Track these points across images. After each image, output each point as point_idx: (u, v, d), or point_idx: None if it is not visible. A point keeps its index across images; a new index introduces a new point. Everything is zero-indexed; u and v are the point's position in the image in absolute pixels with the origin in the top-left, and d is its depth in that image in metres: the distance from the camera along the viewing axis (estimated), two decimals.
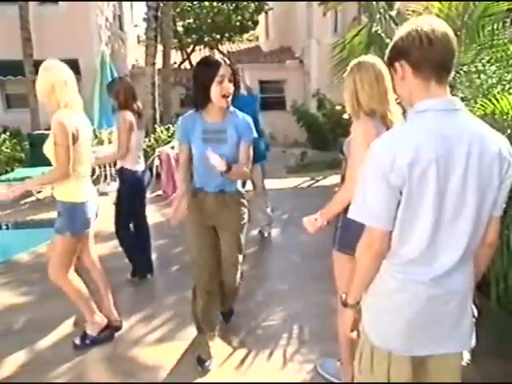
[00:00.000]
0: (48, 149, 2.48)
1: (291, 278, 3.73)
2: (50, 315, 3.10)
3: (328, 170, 8.47)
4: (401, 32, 1.26)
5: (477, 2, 3.79)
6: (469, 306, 1.37)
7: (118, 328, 2.88)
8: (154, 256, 4.24)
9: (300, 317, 3.05)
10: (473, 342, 1.39)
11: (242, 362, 2.56)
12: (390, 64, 1.31)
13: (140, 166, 3.52)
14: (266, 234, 4.84)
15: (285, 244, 4.64)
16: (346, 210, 1.69)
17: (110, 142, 7.59)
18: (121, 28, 14.89)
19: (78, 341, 2.72)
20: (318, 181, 7.98)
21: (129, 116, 3.33)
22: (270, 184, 7.52)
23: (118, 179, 3.69)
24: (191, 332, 2.88)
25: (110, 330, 2.80)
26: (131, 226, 3.67)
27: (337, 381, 2.31)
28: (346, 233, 1.96)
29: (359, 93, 1.87)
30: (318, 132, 11.93)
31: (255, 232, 4.94)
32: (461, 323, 1.35)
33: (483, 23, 3.61)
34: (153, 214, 5.72)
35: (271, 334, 2.84)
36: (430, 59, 1.21)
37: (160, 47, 11.37)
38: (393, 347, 1.34)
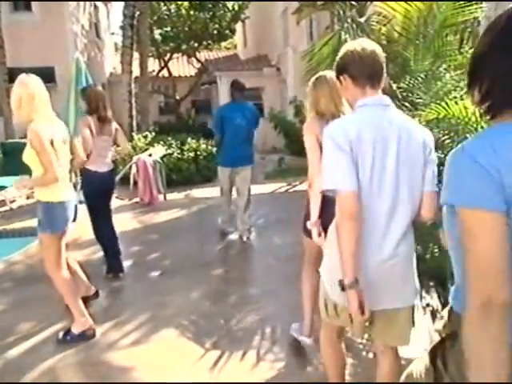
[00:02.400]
0: (27, 157, 2.66)
1: (265, 280, 3.81)
2: (22, 323, 3.09)
3: (305, 176, 8.42)
4: (340, 53, 1.65)
5: (438, 13, 3.95)
6: (412, 270, 1.66)
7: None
8: (130, 262, 4.27)
9: (272, 318, 3.11)
10: (417, 301, 1.68)
11: (216, 362, 2.61)
12: (337, 77, 1.69)
13: (104, 168, 3.68)
14: (245, 239, 4.85)
15: (260, 248, 4.72)
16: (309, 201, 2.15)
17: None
18: (97, 36, 14.81)
19: (60, 336, 2.85)
20: (294, 186, 8.10)
21: (87, 121, 3.51)
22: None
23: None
24: (165, 334, 2.92)
25: (90, 332, 2.88)
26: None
27: (299, 335, 2.67)
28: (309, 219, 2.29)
29: (318, 104, 2.28)
30: (295, 138, 12.06)
31: (232, 236, 5.00)
32: (406, 284, 1.64)
33: (443, 32, 3.77)
34: (130, 221, 5.74)
35: (244, 335, 2.90)
36: (362, 72, 1.58)
37: (137, 55, 11.38)
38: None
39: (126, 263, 4.21)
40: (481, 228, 0.85)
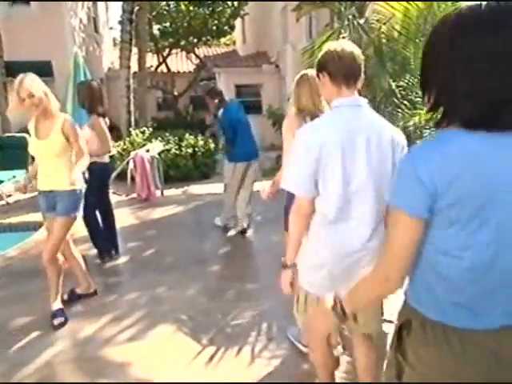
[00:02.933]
0: (57, 146, 2.87)
1: (262, 277, 3.81)
2: (19, 318, 3.08)
3: None
4: (322, 52, 1.72)
5: (437, 12, 3.96)
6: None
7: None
8: (126, 258, 4.26)
9: (269, 314, 3.12)
10: None
11: (211, 358, 2.62)
12: (317, 75, 1.76)
13: (106, 159, 3.97)
14: (245, 225, 4.93)
15: (257, 244, 4.72)
16: (289, 198, 2.21)
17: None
18: (96, 30, 14.73)
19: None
20: None
21: (102, 121, 3.77)
22: None
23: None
24: (161, 330, 2.93)
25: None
26: (98, 214, 4.05)
27: (297, 343, 2.67)
28: (288, 216, 2.39)
29: (299, 101, 2.41)
30: None
31: (230, 233, 5.00)
32: None
33: None
34: (127, 217, 5.73)
35: (240, 332, 2.90)
36: (340, 70, 1.65)
37: (135, 50, 11.33)
38: (320, 293, 1.66)
39: (123, 259, 4.21)
40: (402, 226, 1.01)
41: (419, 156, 0.99)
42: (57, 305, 3.04)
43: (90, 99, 3.74)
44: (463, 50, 0.94)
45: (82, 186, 3.05)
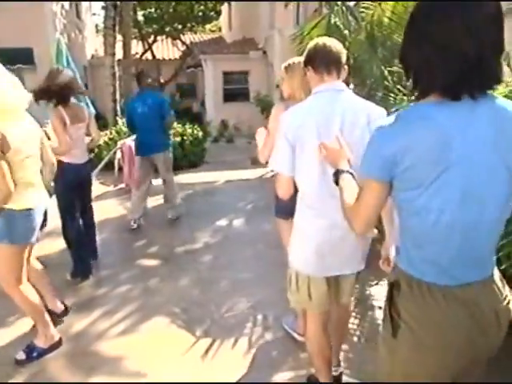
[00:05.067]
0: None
1: (255, 266, 3.78)
2: (7, 315, 3.00)
3: None
4: (308, 47, 1.88)
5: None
6: (364, 241, 1.90)
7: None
8: (116, 250, 4.19)
9: (264, 304, 3.10)
10: (361, 267, 1.97)
11: (207, 351, 2.59)
12: (305, 66, 1.90)
13: (79, 159, 3.39)
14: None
15: (249, 233, 4.68)
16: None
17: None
18: (78, 16, 14.33)
19: (21, 356, 2.50)
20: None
21: (61, 112, 3.19)
22: (236, 175, 7.57)
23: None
24: (155, 323, 2.89)
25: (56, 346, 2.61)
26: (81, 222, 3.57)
27: (292, 331, 2.70)
28: (277, 202, 2.51)
29: (288, 89, 2.41)
30: None
31: (220, 223, 4.95)
32: (356, 251, 1.91)
33: None
34: (116, 208, 5.64)
35: (235, 323, 2.88)
36: (321, 62, 1.81)
37: (120, 37, 11.06)
38: (310, 271, 1.88)
39: (112, 250, 4.14)
40: (367, 189, 1.17)
41: (384, 131, 1.11)
42: (41, 342, 2.56)
43: (57, 90, 3.16)
44: (437, 24, 1.03)
45: (27, 206, 2.35)
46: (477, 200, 1.08)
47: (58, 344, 2.62)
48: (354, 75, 4.25)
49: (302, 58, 2.44)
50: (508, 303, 1.19)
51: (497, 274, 1.21)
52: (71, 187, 3.32)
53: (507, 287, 1.23)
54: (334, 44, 1.85)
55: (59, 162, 2.91)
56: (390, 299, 1.21)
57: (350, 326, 2.68)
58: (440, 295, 1.12)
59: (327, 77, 1.81)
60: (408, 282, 1.16)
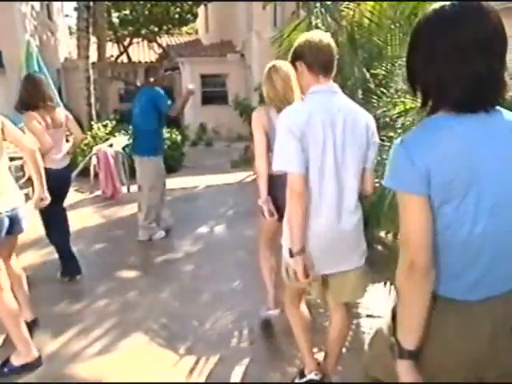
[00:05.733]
0: None
1: (237, 275, 3.66)
2: None
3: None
4: (299, 41, 1.79)
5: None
6: (360, 238, 1.88)
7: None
8: (92, 261, 4.00)
9: (249, 316, 2.98)
10: (361, 262, 1.90)
11: (192, 370, 2.44)
12: (292, 63, 1.83)
13: (59, 164, 3.35)
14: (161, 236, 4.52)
15: (230, 240, 4.55)
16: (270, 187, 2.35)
17: None
18: (49, 18, 13.91)
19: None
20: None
21: (31, 115, 3.13)
22: (216, 179, 7.44)
23: None
24: (134, 341, 2.73)
25: (34, 364, 2.44)
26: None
27: (265, 313, 2.84)
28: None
29: (270, 92, 2.38)
30: None
31: (201, 230, 4.81)
32: (355, 250, 1.87)
33: (412, 22, 3.71)
34: (92, 216, 5.42)
35: (220, 338, 2.74)
36: (317, 61, 1.74)
37: (94, 39, 10.78)
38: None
39: (89, 262, 3.95)
40: (409, 207, 1.06)
41: (412, 143, 1.05)
42: (15, 359, 2.40)
43: (31, 95, 3.18)
44: (448, 39, 1.01)
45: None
46: (505, 211, 1.06)
47: (36, 363, 2.44)
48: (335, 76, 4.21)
49: (282, 62, 2.41)
50: None
51: None
52: (52, 193, 3.17)
53: None
54: (330, 41, 1.78)
55: None
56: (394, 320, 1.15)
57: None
58: (452, 310, 1.09)
59: (323, 79, 1.76)
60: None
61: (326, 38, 1.77)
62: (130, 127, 4.88)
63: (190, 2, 15.47)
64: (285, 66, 2.35)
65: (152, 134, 4.30)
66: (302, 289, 2.06)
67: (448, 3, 1.03)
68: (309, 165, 1.71)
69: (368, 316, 2.97)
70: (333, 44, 1.78)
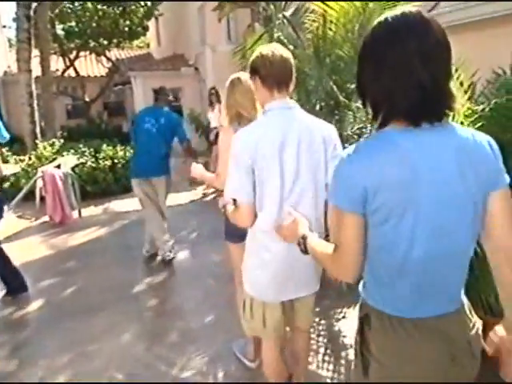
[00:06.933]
0: None
1: (208, 308, 3.32)
2: None
3: None
4: (253, 55, 1.74)
5: (371, 7, 3.82)
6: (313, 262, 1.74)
7: None
8: (40, 302, 3.52)
9: (223, 356, 2.67)
10: (317, 287, 1.89)
11: None
12: (250, 78, 1.78)
13: None
14: (170, 257, 4.27)
15: (196, 267, 4.20)
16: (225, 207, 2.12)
17: None
18: None
19: None
20: (223, 190, 7.67)
21: None
22: (174, 198, 7.04)
23: None
24: None
25: None
26: None
27: (243, 358, 2.59)
28: (228, 225, 2.29)
29: (233, 107, 2.23)
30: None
31: (160, 258, 4.43)
32: (311, 273, 1.82)
33: None
34: (38, 247, 4.87)
35: None
36: (271, 75, 1.69)
37: (37, 52, 10.11)
38: (265, 297, 1.79)
39: (36, 303, 3.47)
40: (348, 222, 1.07)
41: (354, 157, 1.06)
42: None
43: None
44: (393, 51, 1.00)
45: None
46: (446, 233, 1.06)
47: None
48: (298, 90, 4.06)
49: (243, 74, 2.27)
50: (477, 331, 1.18)
51: (466, 303, 1.20)
52: None
53: (475, 315, 1.22)
54: (283, 53, 1.71)
55: None
56: (361, 335, 1.18)
57: (325, 372, 2.44)
58: (411, 327, 1.10)
59: (278, 94, 1.71)
60: (378, 316, 1.14)
61: (280, 50, 1.71)
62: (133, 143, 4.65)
63: (139, 15, 15.00)
64: (246, 77, 2.24)
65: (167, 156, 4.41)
66: (283, 341, 1.95)
67: (391, 15, 1.04)
68: (265, 188, 1.65)
69: (352, 347, 2.76)
70: (288, 56, 1.71)
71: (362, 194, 1.03)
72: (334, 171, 1.09)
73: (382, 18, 1.05)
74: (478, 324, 1.20)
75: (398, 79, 1.01)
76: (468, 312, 1.19)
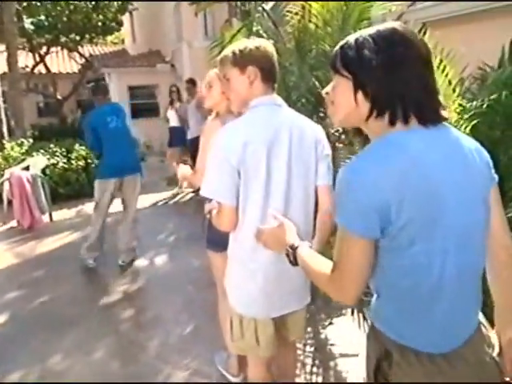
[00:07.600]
0: None
1: (188, 317, 3.14)
2: None
3: None
4: (243, 47, 1.58)
5: (351, 5, 3.73)
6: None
7: None
8: (4, 316, 3.26)
9: (206, 370, 2.50)
10: (309, 299, 1.77)
11: None
12: (240, 70, 1.58)
13: None
14: (127, 261, 4.13)
15: (175, 274, 3.99)
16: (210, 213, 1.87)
17: None
18: None
19: None
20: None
21: None
22: (151, 199, 6.78)
23: None
24: None
25: None
26: None
27: (225, 372, 2.43)
28: (210, 232, 2.17)
29: (217, 102, 2.13)
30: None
31: (140, 263, 4.20)
32: (299, 287, 1.69)
33: (360, 27, 3.55)
34: (3, 255, 4.56)
35: None
36: (271, 68, 1.60)
37: (3, 47, 9.64)
38: (255, 312, 1.64)
39: None
40: (357, 246, 0.95)
41: (361, 173, 0.93)
42: None
43: None
44: (394, 58, 0.97)
45: None
46: (469, 239, 0.99)
47: None
48: (278, 86, 3.94)
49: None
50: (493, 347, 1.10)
51: (481, 318, 1.11)
52: None
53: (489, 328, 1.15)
54: (272, 49, 1.64)
55: None
56: (378, 373, 1.04)
57: None
58: (442, 360, 0.98)
59: (271, 89, 1.61)
60: (401, 351, 1.00)
61: (269, 46, 1.64)
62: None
63: (113, 10, 14.54)
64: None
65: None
66: (270, 360, 1.78)
67: (395, 24, 1.02)
68: (250, 190, 1.53)
69: (342, 355, 2.63)
70: (275, 53, 1.64)
71: (382, 213, 0.91)
72: (341, 183, 0.96)
73: (389, 25, 1.02)
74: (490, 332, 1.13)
75: (410, 82, 0.98)
76: (484, 329, 1.10)
